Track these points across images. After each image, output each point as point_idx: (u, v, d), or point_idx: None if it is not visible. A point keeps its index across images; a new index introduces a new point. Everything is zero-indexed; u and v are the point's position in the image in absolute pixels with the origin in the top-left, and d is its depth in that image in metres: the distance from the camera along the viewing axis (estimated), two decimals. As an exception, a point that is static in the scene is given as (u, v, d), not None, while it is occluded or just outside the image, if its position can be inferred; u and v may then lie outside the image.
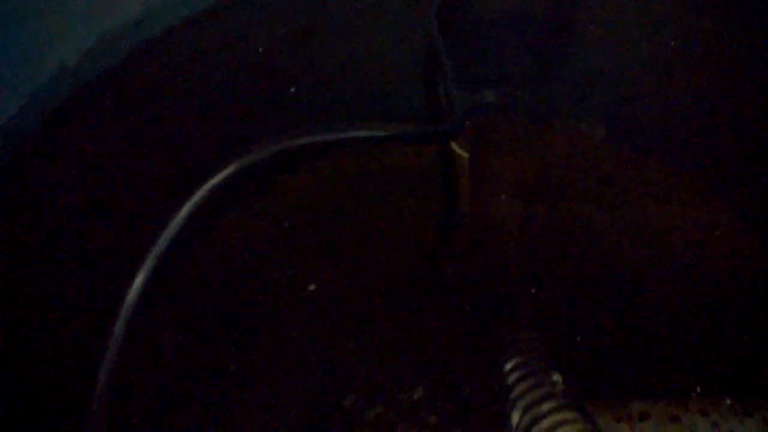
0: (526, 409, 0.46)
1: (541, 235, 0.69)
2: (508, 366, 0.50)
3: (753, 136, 0.77)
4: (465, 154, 0.75)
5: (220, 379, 0.59)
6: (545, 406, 0.45)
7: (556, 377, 0.48)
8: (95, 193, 0.64)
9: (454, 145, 0.75)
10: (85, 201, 0.63)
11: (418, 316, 0.64)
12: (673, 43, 0.80)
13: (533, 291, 0.55)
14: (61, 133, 0.66)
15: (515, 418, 0.46)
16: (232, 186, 0.46)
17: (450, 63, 0.65)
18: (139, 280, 0.41)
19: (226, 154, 0.45)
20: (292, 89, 0.67)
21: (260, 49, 0.73)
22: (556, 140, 0.82)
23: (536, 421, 0.44)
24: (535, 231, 0.69)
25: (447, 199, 0.72)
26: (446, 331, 0.62)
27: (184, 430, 0.56)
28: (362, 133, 0.46)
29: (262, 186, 0.68)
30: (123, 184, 0.63)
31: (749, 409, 0.56)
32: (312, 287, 0.64)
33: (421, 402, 0.60)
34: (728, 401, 0.57)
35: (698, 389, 0.58)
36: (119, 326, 0.41)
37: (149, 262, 0.41)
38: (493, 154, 0.75)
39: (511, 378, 0.49)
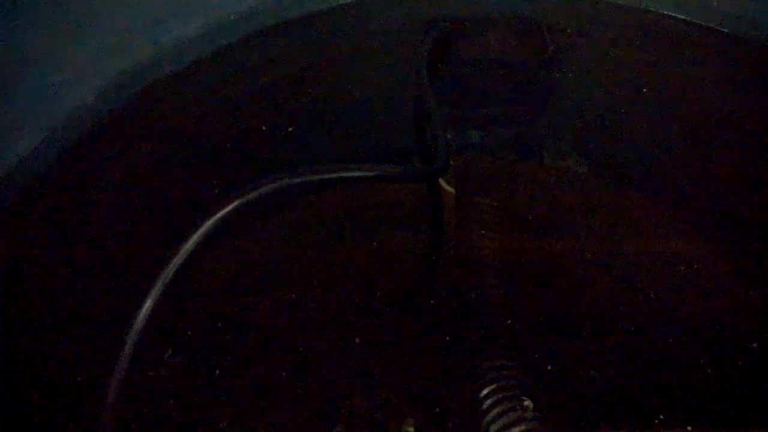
0: (497, 432, 0.50)
1: (522, 268, 0.73)
2: (483, 393, 0.54)
3: (737, 171, 0.82)
4: (451, 191, 0.79)
5: (209, 410, 0.61)
6: (515, 429, 0.49)
7: (527, 403, 0.52)
8: (107, 226, 0.68)
9: (442, 182, 0.80)
10: (98, 233, 0.67)
11: (406, 347, 0.67)
12: (645, 90, 0.85)
13: (509, 322, 0.59)
14: (78, 167, 0.70)
15: (487, 441, 0.50)
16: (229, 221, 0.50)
17: (436, 107, 0.70)
18: (147, 305, 0.45)
19: (228, 191, 0.50)
20: (290, 128, 0.73)
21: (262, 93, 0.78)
22: (540, 176, 0.87)
23: (506, 443, 0.48)
24: (517, 264, 0.73)
25: (433, 233, 0.76)
26: (434, 363, 0.65)
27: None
28: (353, 174, 0.51)
29: (253, 218, 0.73)
30: (132, 217, 0.68)
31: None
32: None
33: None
34: (689, 429, 0.60)
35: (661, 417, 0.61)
36: (127, 350, 0.45)
37: (158, 287, 0.45)
38: (479, 191, 0.80)
39: (486, 404, 0.53)
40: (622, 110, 0.90)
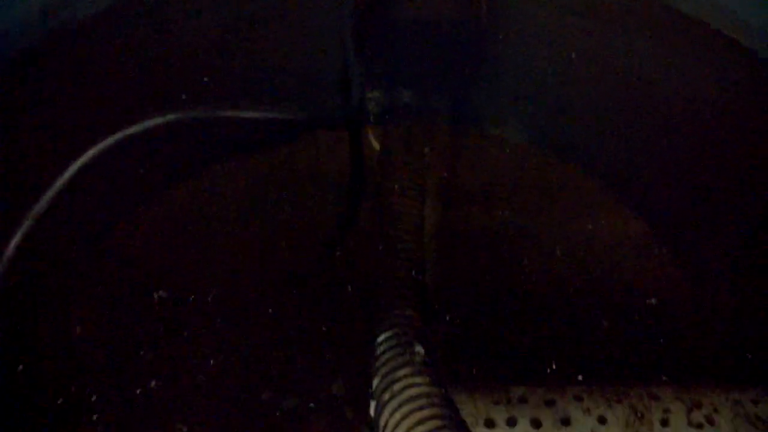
0: (384, 375, 0.50)
1: (442, 232, 0.74)
2: (380, 339, 0.54)
3: (668, 147, 0.82)
4: (377, 146, 0.78)
5: (142, 375, 0.60)
6: (400, 372, 0.49)
7: (419, 348, 0.52)
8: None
9: (371, 136, 0.79)
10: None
11: (330, 310, 0.67)
12: (574, 55, 0.85)
13: (414, 273, 0.59)
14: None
15: (375, 383, 0.50)
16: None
17: (356, 60, 0.69)
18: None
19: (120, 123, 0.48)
20: (206, 79, 0.70)
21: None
22: (476, 145, 0.86)
23: (390, 384, 0.48)
24: (438, 229, 0.73)
25: (351, 187, 0.76)
26: (347, 314, 0.65)
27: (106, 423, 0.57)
28: (237, 114, 0.50)
29: (173, 183, 0.71)
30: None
31: (619, 397, 0.61)
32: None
33: (338, 396, 0.63)
34: (600, 388, 0.61)
35: (579, 378, 0.63)
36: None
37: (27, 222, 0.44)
38: (410, 154, 0.79)
39: (380, 349, 0.53)
40: (562, 79, 0.90)
